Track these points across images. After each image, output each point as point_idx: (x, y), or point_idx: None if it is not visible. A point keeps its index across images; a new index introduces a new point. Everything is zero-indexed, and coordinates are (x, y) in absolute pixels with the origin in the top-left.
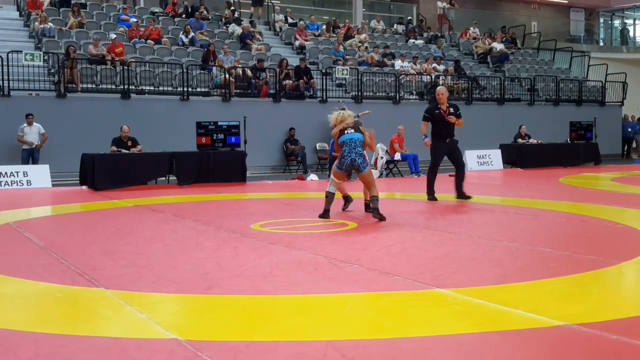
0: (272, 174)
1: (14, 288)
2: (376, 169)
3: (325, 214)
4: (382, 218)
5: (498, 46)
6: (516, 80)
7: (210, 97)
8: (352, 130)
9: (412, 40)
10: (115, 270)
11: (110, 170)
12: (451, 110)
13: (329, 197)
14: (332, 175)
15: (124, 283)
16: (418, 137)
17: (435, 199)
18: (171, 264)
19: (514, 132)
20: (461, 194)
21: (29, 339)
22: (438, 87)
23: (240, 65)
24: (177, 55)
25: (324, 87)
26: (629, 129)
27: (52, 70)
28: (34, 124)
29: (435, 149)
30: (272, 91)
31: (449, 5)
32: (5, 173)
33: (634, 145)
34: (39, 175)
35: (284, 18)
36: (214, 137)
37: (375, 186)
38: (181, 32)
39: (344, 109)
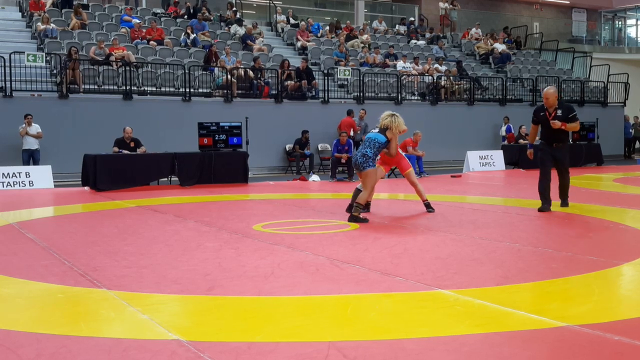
0: (274, 175)
1: (16, 288)
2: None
3: (348, 208)
4: (355, 219)
5: (500, 47)
6: (518, 81)
7: (212, 98)
8: (376, 130)
9: (414, 41)
10: (117, 270)
11: (112, 171)
12: (559, 113)
13: (354, 193)
14: None
15: (126, 284)
16: (424, 138)
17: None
18: (173, 265)
19: (515, 133)
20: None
21: (31, 340)
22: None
23: (242, 66)
24: (179, 56)
25: (326, 88)
26: (630, 130)
27: (54, 71)
28: (33, 124)
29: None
30: (274, 92)
31: (450, 6)
32: (8, 174)
33: (637, 145)
34: (41, 176)
35: (285, 19)
36: (216, 138)
37: (367, 192)
38: (183, 33)
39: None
